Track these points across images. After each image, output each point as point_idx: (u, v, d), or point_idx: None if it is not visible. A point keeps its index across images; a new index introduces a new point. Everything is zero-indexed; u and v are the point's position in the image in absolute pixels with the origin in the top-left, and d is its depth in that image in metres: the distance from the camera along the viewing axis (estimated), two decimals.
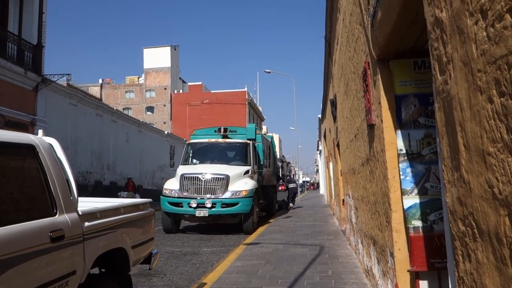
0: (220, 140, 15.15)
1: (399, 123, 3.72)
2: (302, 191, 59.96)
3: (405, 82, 3.73)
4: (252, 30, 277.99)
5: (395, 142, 3.77)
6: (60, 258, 3.31)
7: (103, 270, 4.56)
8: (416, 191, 3.61)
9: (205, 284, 6.59)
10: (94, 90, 74.03)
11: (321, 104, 21.57)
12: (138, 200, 5.24)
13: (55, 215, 3.36)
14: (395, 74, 3.76)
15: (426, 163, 3.62)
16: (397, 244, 3.77)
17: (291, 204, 23.79)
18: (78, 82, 71.91)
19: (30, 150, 3.36)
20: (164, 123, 71.23)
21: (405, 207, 3.62)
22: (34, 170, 3.35)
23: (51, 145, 3.69)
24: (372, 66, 4.23)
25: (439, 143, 2.24)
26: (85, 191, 23.01)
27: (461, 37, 1.73)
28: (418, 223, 3.56)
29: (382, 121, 3.93)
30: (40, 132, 3.82)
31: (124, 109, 71.55)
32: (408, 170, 3.64)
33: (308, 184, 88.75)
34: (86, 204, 4.59)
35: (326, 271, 7.18)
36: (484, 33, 1.50)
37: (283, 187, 30.99)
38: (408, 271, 3.61)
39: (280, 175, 28.58)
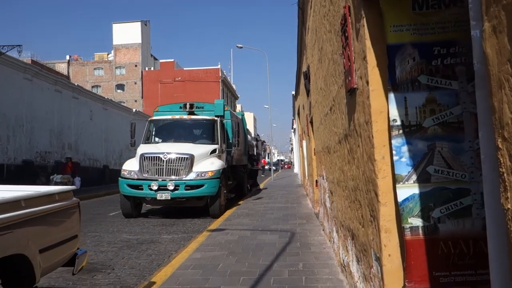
0: (185, 116, 13.96)
1: (391, 84, 2.69)
2: (276, 170, 59.45)
3: (400, 27, 2.68)
4: (226, 7, 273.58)
5: (386, 110, 2.75)
6: None
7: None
8: (414, 177, 2.61)
9: (154, 283, 5.58)
10: (61, 67, 71.28)
11: (295, 80, 20.53)
12: (53, 188, 4.10)
13: None
14: (386, 16, 2.71)
15: (429, 139, 2.62)
16: (386, 248, 2.78)
17: (260, 186, 22.68)
18: (44, 59, 69.02)
19: None
20: (136, 101, 69.35)
21: (400, 199, 2.62)
22: None
23: None
24: (355, 9, 3.17)
25: (482, 97, 1.21)
26: (44, 171, 21.55)
27: None
28: (417, 222, 2.57)
29: (367, 82, 2.90)
30: None
31: (93, 86, 69.30)
32: (404, 148, 2.63)
33: (282, 163, 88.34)
34: None
35: (297, 264, 6.25)
36: None
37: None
38: None
39: (255, 154, 27.51)
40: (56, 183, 17.60)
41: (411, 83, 2.66)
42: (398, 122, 2.64)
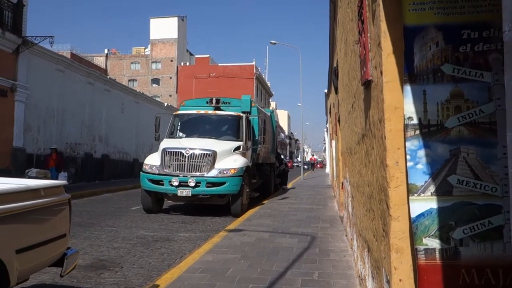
0: (210, 112, 13.67)
1: (408, 74, 2.22)
2: (308, 169, 58.73)
3: (422, 5, 2.21)
4: (263, 4, 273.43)
5: (402, 106, 2.28)
6: None
7: None
8: (432, 188, 2.14)
9: (157, 286, 5.26)
10: (99, 60, 72.79)
11: (327, 78, 19.94)
12: (40, 182, 3.80)
13: None
14: None
15: (453, 142, 2.14)
16: (397, 272, 2.32)
17: (284, 186, 21.96)
18: (83, 52, 70.70)
19: None
20: (170, 96, 70.07)
21: (413, 214, 2.15)
22: None
23: None
24: None
25: None
26: (73, 163, 21.80)
27: None
28: (433, 243, 2.10)
29: (381, 73, 2.44)
30: None
31: (129, 80, 70.58)
32: (421, 152, 2.17)
33: (315, 162, 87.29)
34: None
35: (312, 273, 5.81)
36: None
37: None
38: None
39: (287, 152, 26.99)
40: (30, 179, 15.15)
41: (432, 73, 2.18)
42: (415, 121, 2.17)
